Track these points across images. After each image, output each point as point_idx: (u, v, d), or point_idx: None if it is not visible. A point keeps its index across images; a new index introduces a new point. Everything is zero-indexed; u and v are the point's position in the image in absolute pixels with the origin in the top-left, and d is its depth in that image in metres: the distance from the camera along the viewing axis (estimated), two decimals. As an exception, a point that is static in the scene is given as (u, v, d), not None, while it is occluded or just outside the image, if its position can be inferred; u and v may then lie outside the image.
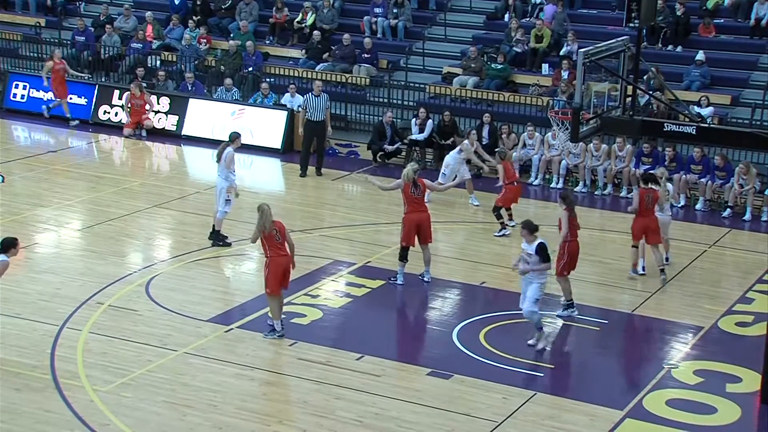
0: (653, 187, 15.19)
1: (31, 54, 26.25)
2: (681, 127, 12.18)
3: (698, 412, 11.50)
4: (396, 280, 14.73)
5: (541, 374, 12.36)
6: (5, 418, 10.60)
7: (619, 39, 12.68)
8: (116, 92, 23.39)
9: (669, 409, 11.53)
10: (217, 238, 15.94)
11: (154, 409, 11.00)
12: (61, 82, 23.23)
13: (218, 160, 16.01)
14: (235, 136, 16.26)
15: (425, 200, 15.09)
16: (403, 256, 14.71)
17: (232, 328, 13.10)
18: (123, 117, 22.87)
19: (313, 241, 16.46)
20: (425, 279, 14.85)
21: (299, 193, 19.51)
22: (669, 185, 16.52)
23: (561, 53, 22.64)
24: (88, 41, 25.53)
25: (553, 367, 12.59)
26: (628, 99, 12.63)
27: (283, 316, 13.02)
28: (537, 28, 23.29)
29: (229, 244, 15.86)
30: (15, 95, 24.36)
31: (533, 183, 20.44)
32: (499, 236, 16.86)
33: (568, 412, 11.39)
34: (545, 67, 22.92)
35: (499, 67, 22.72)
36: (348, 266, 15.48)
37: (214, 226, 16.02)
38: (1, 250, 11.74)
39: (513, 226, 16.97)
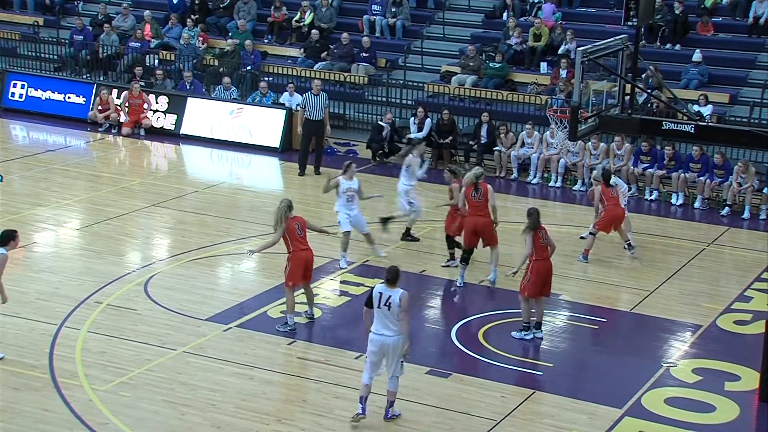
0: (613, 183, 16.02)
1: (29, 53, 26.23)
2: (680, 125, 12.18)
3: (697, 411, 11.51)
4: (457, 283, 14.73)
5: (540, 373, 12.36)
6: (4, 418, 10.59)
7: (617, 37, 12.67)
8: (114, 91, 23.39)
9: (668, 407, 11.54)
10: (408, 236, 16.37)
11: (153, 408, 10.99)
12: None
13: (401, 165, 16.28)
14: (417, 141, 16.47)
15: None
16: (464, 259, 14.68)
17: (231, 327, 13.09)
18: (121, 116, 22.85)
19: (311, 239, 16.39)
20: (491, 278, 14.68)
21: (298, 192, 19.48)
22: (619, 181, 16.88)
23: (559, 52, 22.62)
24: (86, 40, 25.52)
25: (551, 365, 12.59)
26: (627, 97, 12.62)
27: (282, 311, 13.05)
28: (535, 26, 23.29)
29: (417, 239, 16.38)
30: (13, 94, 24.35)
31: (532, 182, 20.45)
32: (445, 265, 15.30)
33: (567, 411, 11.39)
34: (543, 65, 22.92)
35: (498, 65, 22.72)
36: (346, 265, 15.46)
37: (408, 228, 16.38)
38: (1, 243, 11.75)
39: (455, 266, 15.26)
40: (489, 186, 14.84)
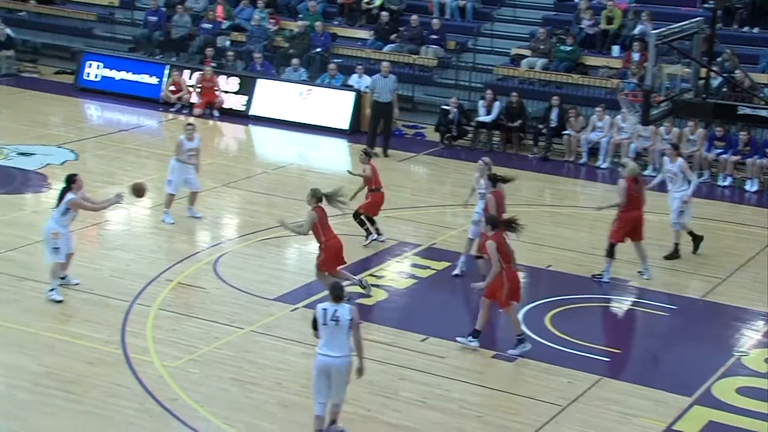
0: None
1: (105, 34, 26.69)
2: (756, 110, 11.91)
3: (769, 401, 11.31)
4: (602, 278, 14.26)
5: (608, 359, 12.24)
6: (78, 390, 10.85)
7: (693, 20, 12.44)
8: (186, 72, 23.66)
9: (739, 396, 11.34)
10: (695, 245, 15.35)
11: (221, 386, 11.16)
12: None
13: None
14: (674, 153, 15.35)
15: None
16: (611, 253, 14.20)
17: (297, 307, 13.20)
18: (193, 97, 23.13)
19: (378, 222, 16.47)
20: (645, 276, 14.39)
21: (366, 174, 19.53)
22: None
23: (634, 33, 22.23)
24: (159, 21, 25.85)
25: (619, 351, 12.46)
26: (701, 81, 12.39)
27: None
28: (608, 9, 22.95)
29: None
30: (89, 74, 24.78)
31: (601, 166, 20.20)
32: (367, 245, 15.18)
33: (634, 398, 11.27)
34: (615, 48, 22.58)
35: (569, 48, 22.45)
36: (413, 248, 15.48)
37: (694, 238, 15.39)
38: (67, 189, 12.88)
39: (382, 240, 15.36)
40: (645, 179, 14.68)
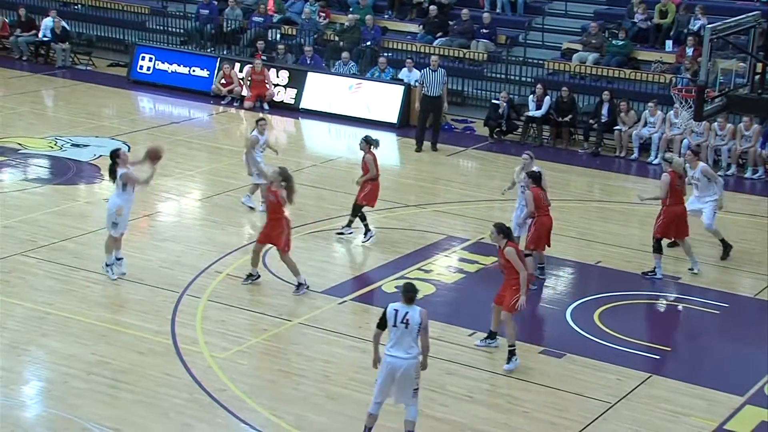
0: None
1: (158, 27, 26.97)
2: (813, 106, 11.73)
3: (822, 402, 11.11)
4: (655, 274, 14.13)
5: (657, 356, 12.12)
6: (130, 380, 10.99)
7: (749, 14, 12.26)
8: (237, 65, 23.81)
9: (791, 397, 11.18)
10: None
11: (268, 377, 11.23)
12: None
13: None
14: (694, 158, 14.91)
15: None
16: (659, 248, 14.14)
17: (345, 300, 13.25)
18: (244, 90, 23.28)
19: (426, 216, 16.48)
20: (695, 270, 14.28)
21: (414, 168, 19.55)
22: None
23: (690, 29, 21.94)
24: (211, 14, 26.06)
25: (669, 349, 12.33)
26: (757, 77, 12.21)
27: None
28: (661, 3, 22.67)
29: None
30: (141, 67, 25.04)
31: (653, 162, 19.99)
32: (366, 241, 15.07)
33: (684, 396, 11.15)
34: (669, 43, 22.31)
35: (621, 43, 22.23)
36: (461, 242, 15.45)
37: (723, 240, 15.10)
38: (115, 164, 13.06)
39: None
40: None
